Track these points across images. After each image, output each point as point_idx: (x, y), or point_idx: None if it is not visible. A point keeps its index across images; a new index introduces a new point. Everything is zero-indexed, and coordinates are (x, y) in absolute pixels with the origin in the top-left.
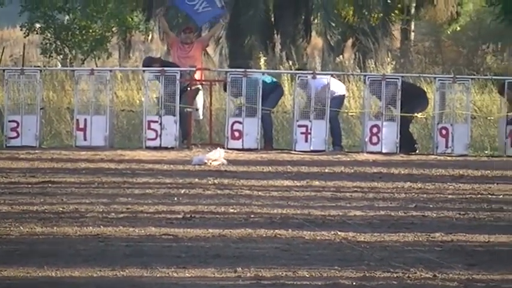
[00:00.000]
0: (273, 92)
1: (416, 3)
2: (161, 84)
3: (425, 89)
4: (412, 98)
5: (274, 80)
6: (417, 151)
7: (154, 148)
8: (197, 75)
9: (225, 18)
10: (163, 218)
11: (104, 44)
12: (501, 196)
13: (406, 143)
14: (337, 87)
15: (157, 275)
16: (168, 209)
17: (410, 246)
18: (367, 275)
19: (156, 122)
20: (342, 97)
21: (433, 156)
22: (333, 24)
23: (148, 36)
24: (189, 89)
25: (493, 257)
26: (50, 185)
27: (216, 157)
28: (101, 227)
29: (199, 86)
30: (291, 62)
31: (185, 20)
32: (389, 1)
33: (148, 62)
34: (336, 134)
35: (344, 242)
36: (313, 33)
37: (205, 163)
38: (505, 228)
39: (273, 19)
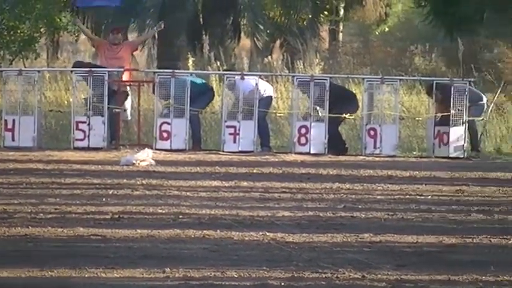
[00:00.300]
0: (203, 94)
1: (345, 4)
2: (89, 85)
3: (354, 90)
4: (342, 101)
5: (205, 82)
6: (347, 152)
7: (83, 149)
8: (125, 76)
9: (159, 26)
10: (91, 219)
11: (32, 44)
12: (429, 197)
13: (336, 144)
14: (265, 89)
15: (86, 275)
16: (96, 209)
17: (339, 247)
18: (296, 275)
19: (84, 122)
20: (270, 98)
21: (361, 157)
22: (261, 26)
23: (76, 36)
24: (117, 91)
25: (421, 257)
26: None
27: (144, 158)
28: (30, 227)
29: (128, 88)
30: (219, 63)
31: (114, 21)
32: (317, 2)
33: (79, 66)
34: (264, 135)
35: (272, 243)
36: (242, 34)
37: (134, 164)
38: (433, 228)
39: (201, 20)
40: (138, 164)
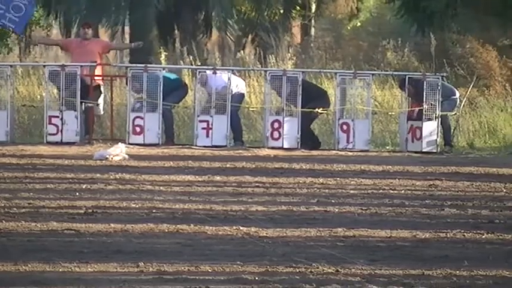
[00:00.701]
0: (177, 89)
1: None
2: (61, 79)
3: (327, 85)
4: (313, 98)
5: (178, 77)
6: (320, 147)
7: (56, 143)
8: (97, 71)
9: (137, 45)
10: (65, 213)
11: (4, 39)
12: (402, 191)
13: (308, 140)
14: (238, 84)
15: (60, 270)
16: (69, 204)
17: (313, 242)
18: (270, 270)
19: (57, 117)
20: (242, 93)
21: (334, 152)
22: (231, 21)
23: (48, 31)
24: (89, 85)
25: (394, 252)
26: None
27: (118, 152)
28: (3, 221)
29: (100, 83)
30: (191, 57)
31: (85, 16)
32: None
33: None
34: (237, 130)
35: (246, 237)
36: (214, 29)
37: (107, 158)
38: (406, 223)
39: (173, 14)
40: (112, 158)
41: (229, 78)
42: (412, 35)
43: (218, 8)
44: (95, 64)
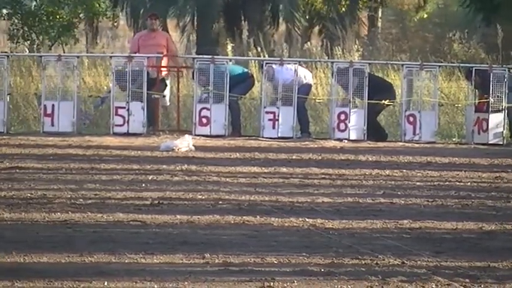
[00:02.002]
0: (243, 81)
1: None
2: (128, 70)
3: (393, 77)
4: (380, 90)
5: (246, 70)
6: (386, 139)
7: (122, 134)
8: (164, 62)
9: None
10: (131, 204)
11: (71, 30)
12: (468, 183)
13: (375, 132)
14: (305, 75)
15: (125, 261)
16: (135, 195)
17: (378, 233)
18: (335, 261)
19: (124, 108)
20: (309, 85)
21: (400, 144)
22: (298, 13)
23: (115, 22)
24: (156, 77)
25: (460, 244)
26: (17, 170)
27: (184, 144)
28: (69, 213)
29: (166, 75)
30: (258, 49)
31: (151, 7)
32: None
33: None
34: (304, 121)
35: (312, 229)
36: (281, 20)
37: (173, 149)
38: (472, 215)
39: (240, 6)
40: (178, 150)
41: (295, 70)
42: (479, 26)
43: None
44: (161, 56)
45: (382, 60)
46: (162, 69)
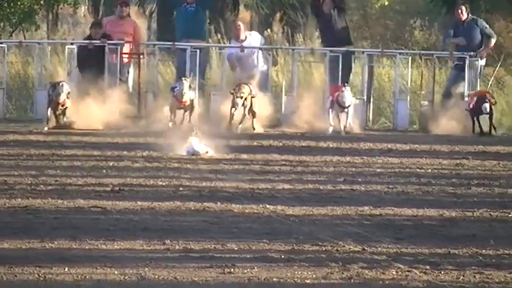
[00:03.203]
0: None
1: None
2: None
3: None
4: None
5: None
6: None
7: None
8: (126, 49)
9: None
10: (92, 191)
11: (32, 16)
12: (429, 170)
13: None
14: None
15: (86, 247)
16: (96, 181)
17: (339, 220)
18: (296, 248)
19: None
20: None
21: (366, 131)
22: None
23: (76, 9)
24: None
25: (421, 231)
26: None
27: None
28: (30, 199)
29: (126, 60)
30: (219, 35)
31: None
32: None
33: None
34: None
35: (273, 216)
36: (242, 7)
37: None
38: (432, 202)
39: None
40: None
41: (256, 58)
42: (439, 14)
43: None
44: (122, 42)
45: (342, 48)
46: (124, 56)
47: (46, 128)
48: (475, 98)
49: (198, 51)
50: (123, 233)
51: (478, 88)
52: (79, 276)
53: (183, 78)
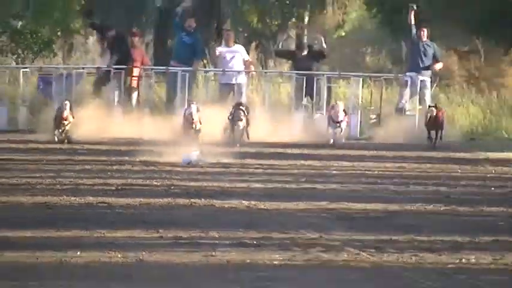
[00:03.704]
0: None
1: (309, 13)
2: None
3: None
4: None
5: None
6: None
7: None
8: (136, 73)
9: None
10: (99, 189)
11: (50, 45)
12: (376, 172)
13: None
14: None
15: (95, 235)
16: (103, 181)
17: (302, 213)
18: (266, 235)
19: None
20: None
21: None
22: (240, 29)
23: (87, 39)
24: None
25: (368, 221)
26: (7, 162)
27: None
28: (48, 196)
29: (134, 83)
30: (205, 61)
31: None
32: (286, 12)
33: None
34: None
35: (247, 209)
36: None
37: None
38: (378, 198)
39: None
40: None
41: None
42: (387, 42)
43: (231, 19)
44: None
45: (306, 71)
46: (134, 78)
47: (56, 139)
48: (429, 115)
49: (187, 74)
50: (124, 224)
51: (427, 103)
52: (89, 259)
53: (191, 102)
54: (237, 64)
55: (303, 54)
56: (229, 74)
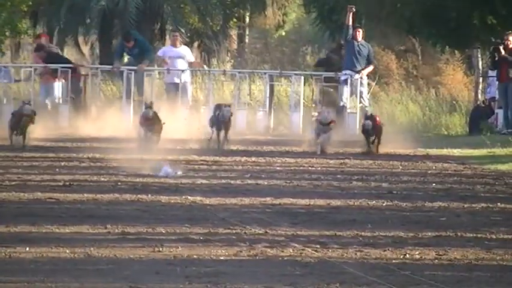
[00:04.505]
0: None
1: (250, 13)
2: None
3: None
4: None
5: None
6: None
7: None
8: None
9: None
10: (47, 185)
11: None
12: (319, 168)
13: None
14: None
15: (43, 231)
16: (51, 177)
17: (246, 208)
18: (212, 231)
19: None
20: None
21: (268, 137)
22: (182, 30)
23: (34, 39)
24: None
25: (312, 217)
26: None
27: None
28: None
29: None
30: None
31: (64, 26)
32: (228, 11)
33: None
34: None
35: (193, 205)
36: (167, 37)
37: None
38: (322, 193)
39: (135, 26)
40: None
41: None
42: (326, 42)
43: (173, 20)
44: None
45: (248, 69)
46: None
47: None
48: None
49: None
50: (72, 219)
51: (365, 101)
52: (37, 254)
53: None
54: (181, 65)
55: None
56: (174, 73)
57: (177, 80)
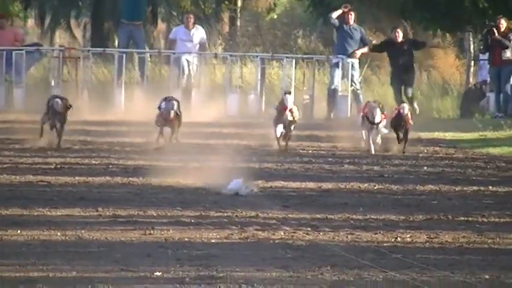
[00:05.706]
0: None
1: None
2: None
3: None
4: None
5: None
6: None
7: None
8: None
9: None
10: (39, 168)
11: None
12: (310, 151)
13: None
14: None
15: (34, 214)
16: (43, 160)
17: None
18: (203, 214)
19: None
20: None
21: (259, 119)
22: (174, 13)
23: (26, 22)
24: None
25: (303, 200)
26: None
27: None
28: None
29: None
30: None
31: (56, 9)
32: None
33: None
34: None
35: (184, 188)
36: (160, 20)
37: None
38: (313, 177)
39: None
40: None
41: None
42: (318, 26)
43: (165, 3)
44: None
45: (240, 53)
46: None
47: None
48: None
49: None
50: (64, 202)
51: (357, 85)
52: (29, 237)
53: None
54: (190, 48)
55: (399, 41)
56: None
57: (184, 62)
